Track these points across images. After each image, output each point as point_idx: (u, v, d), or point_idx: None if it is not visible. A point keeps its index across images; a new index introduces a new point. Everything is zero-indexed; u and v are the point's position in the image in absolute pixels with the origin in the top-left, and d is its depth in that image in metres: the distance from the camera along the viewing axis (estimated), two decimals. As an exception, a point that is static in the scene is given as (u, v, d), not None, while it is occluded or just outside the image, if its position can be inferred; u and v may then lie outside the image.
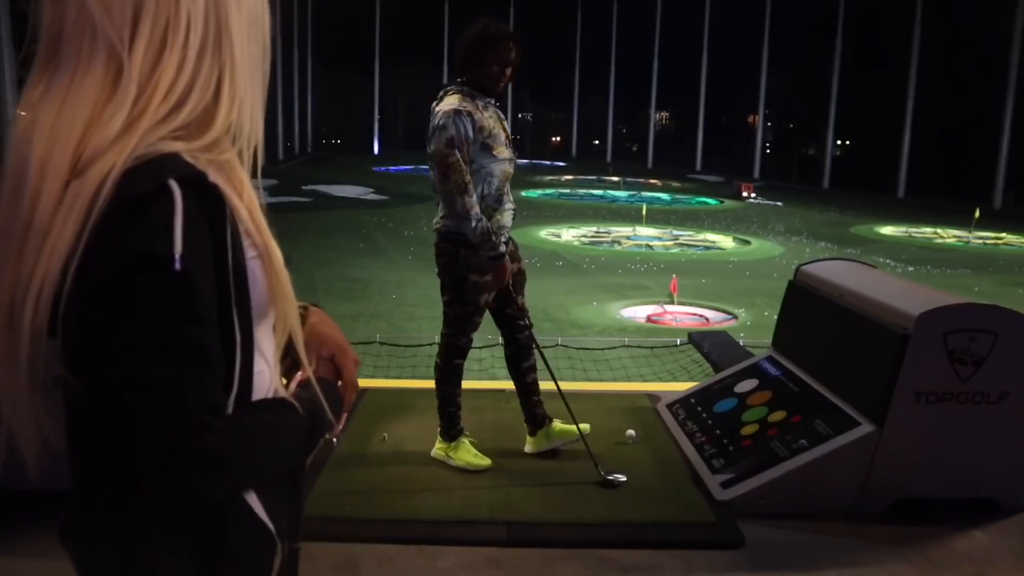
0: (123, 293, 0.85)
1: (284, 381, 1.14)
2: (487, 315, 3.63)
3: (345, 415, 1.16)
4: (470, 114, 3.28)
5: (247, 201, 0.97)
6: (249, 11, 1.00)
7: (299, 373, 1.15)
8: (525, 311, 3.63)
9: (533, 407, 3.66)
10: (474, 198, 3.30)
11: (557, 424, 3.68)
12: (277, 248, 1.01)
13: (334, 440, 1.14)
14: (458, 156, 3.25)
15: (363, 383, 1.24)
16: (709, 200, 23.46)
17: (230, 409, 0.96)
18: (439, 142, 3.26)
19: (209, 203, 0.90)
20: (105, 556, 0.98)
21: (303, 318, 1.19)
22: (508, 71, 3.39)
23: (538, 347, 3.76)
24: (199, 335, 0.88)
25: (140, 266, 0.85)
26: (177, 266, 0.85)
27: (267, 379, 1.04)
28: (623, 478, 3.46)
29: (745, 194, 23.83)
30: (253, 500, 1.00)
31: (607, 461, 3.64)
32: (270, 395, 1.04)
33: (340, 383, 1.17)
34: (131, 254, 0.85)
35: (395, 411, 4.10)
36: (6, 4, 14.21)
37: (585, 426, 3.67)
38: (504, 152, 3.41)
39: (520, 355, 3.65)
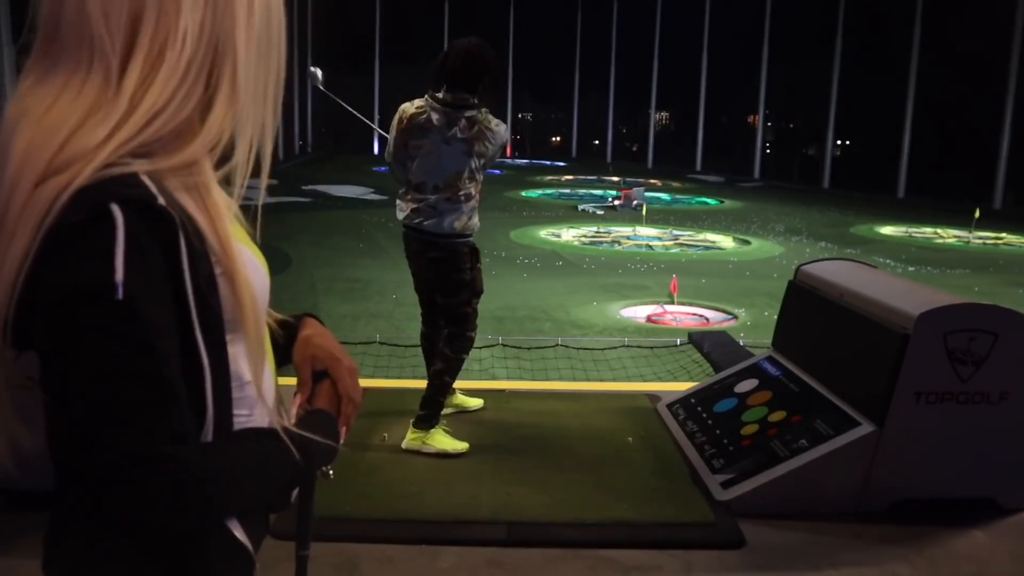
0: (68, 323, 0.81)
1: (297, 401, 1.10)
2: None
3: (345, 430, 1.11)
4: None
5: (219, 225, 0.91)
6: (261, 33, 0.95)
7: (296, 397, 1.11)
8: None
9: None
10: None
11: (457, 396, 4.13)
12: (245, 273, 0.94)
13: (330, 474, 1.09)
14: None
15: (363, 383, 1.19)
16: (709, 200, 23.41)
17: (209, 435, 0.92)
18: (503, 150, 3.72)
19: (159, 224, 0.84)
20: (72, 573, 0.94)
21: (295, 330, 1.14)
22: None
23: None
24: (152, 364, 0.83)
25: (80, 296, 0.81)
26: (119, 294, 0.80)
27: (252, 399, 0.98)
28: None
29: (617, 203, 18.21)
30: (231, 520, 0.97)
31: (607, 461, 3.65)
32: (259, 415, 0.99)
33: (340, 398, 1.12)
34: (70, 283, 0.81)
35: (395, 411, 4.10)
36: (6, 4, 14.20)
37: (479, 401, 4.20)
38: None
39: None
